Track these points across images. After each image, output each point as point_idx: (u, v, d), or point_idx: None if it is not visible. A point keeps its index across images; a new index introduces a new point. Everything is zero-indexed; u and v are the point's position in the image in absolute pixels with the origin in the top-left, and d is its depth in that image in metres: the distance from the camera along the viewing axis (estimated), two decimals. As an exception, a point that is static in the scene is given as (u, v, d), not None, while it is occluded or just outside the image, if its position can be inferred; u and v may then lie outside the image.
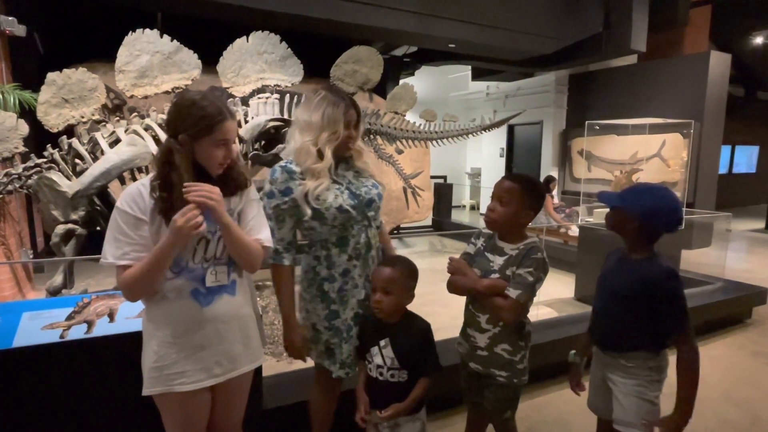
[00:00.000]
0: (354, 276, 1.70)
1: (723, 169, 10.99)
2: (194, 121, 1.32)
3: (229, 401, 1.54)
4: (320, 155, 1.62)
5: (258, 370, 2.02)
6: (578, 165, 8.39)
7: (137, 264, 1.31)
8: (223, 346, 1.44)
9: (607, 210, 1.67)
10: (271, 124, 4.11)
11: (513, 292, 1.57)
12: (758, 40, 8.50)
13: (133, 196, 1.34)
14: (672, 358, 1.57)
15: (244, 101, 4.12)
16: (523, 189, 1.63)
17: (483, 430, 1.95)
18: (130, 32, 3.48)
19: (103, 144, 3.47)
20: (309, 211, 1.60)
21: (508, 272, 1.62)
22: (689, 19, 7.08)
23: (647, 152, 6.86)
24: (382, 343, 1.64)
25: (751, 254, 7.24)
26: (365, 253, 1.71)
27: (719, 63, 6.58)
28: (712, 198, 6.95)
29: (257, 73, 4.02)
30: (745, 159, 12.72)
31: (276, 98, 4.20)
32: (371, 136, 4.89)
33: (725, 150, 11.59)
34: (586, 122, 6.53)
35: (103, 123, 3.62)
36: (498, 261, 1.66)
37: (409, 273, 1.67)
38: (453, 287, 1.74)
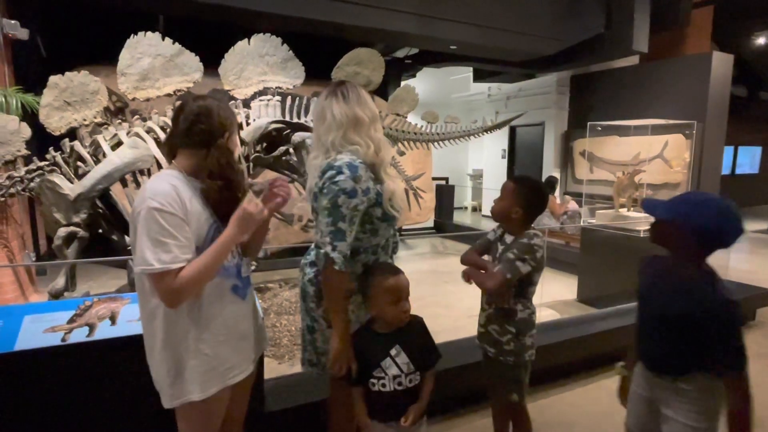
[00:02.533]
0: None
1: (726, 170, 10.95)
2: (228, 123, 1.40)
3: (245, 392, 1.59)
4: (384, 149, 1.58)
5: (260, 372, 2.01)
6: (580, 166, 8.37)
7: (193, 264, 1.27)
8: (255, 335, 1.54)
9: (650, 220, 1.50)
10: (273, 126, 4.11)
11: (496, 268, 1.76)
12: (761, 40, 8.48)
13: (172, 196, 1.26)
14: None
15: (246, 103, 4.13)
16: (515, 187, 1.83)
17: (505, 420, 2.05)
18: (132, 35, 3.50)
19: (105, 147, 3.48)
20: (395, 213, 1.56)
21: (504, 258, 1.81)
22: (691, 19, 7.07)
23: (650, 153, 6.84)
24: (394, 351, 1.59)
25: (754, 255, 7.21)
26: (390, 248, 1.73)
27: (721, 63, 6.56)
28: (715, 199, 6.92)
29: (259, 75, 4.03)
30: (748, 160, 12.67)
31: (278, 100, 4.21)
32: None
33: (728, 151, 11.55)
34: (588, 123, 6.51)
35: (105, 126, 3.63)
36: (500, 250, 1.88)
37: None
38: (465, 260, 1.93)
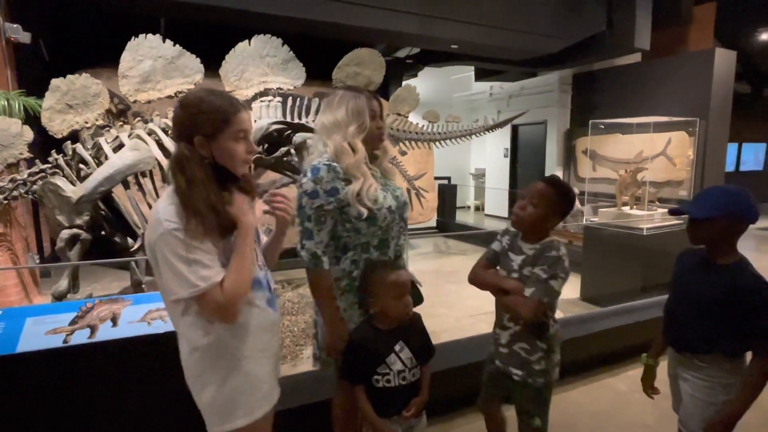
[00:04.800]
0: None
1: (730, 167, 10.89)
2: (208, 118, 1.20)
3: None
4: (353, 150, 1.57)
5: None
6: (583, 164, 8.34)
7: (231, 268, 1.20)
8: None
9: (655, 218, 1.62)
10: (274, 127, 4.12)
11: (528, 291, 1.58)
12: (764, 36, 8.42)
13: (176, 214, 1.17)
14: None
15: (247, 105, 4.13)
16: (557, 194, 1.62)
17: (503, 426, 1.96)
18: (133, 38, 3.51)
19: (107, 149, 3.49)
20: (365, 211, 1.55)
21: (526, 272, 1.63)
22: (693, 16, 7.03)
23: (653, 151, 6.81)
24: (398, 347, 1.61)
25: (759, 252, 7.17)
26: (402, 254, 1.73)
27: (724, 60, 6.52)
28: (719, 196, 6.89)
29: (260, 76, 4.04)
30: (752, 157, 12.60)
31: (279, 101, 4.22)
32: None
33: (732, 148, 11.48)
34: (591, 121, 6.49)
35: (107, 128, 3.64)
36: (518, 261, 1.68)
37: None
38: (476, 280, 1.75)
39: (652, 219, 4.76)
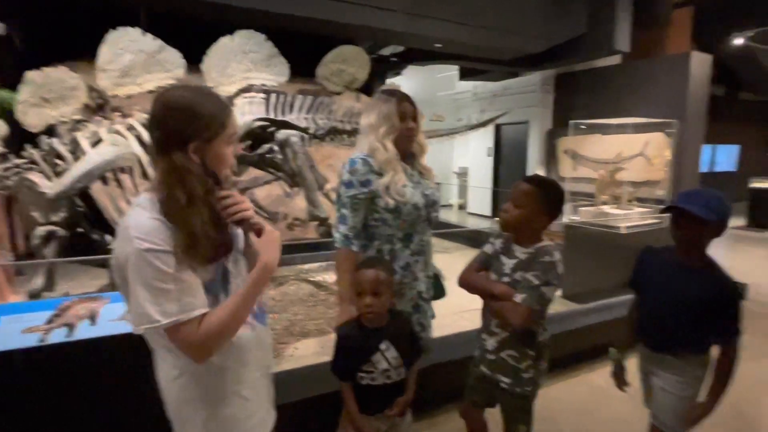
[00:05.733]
0: (415, 270, 1.82)
1: (705, 168, 11.18)
2: (205, 122, 1.07)
3: None
4: (385, 149, 1.74)
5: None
6: (564, 164, 8.47)
7: (224, 308, 1.06)
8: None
9: (630, 217, 1.65)
10: (258, 123, 4.08)
11: (519, 297, 1.54)
12: (739, 41, 8.66)
13: (162, 230, 1.02)
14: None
15: (230, 101, 4.08)
16: (539, 192, 1.56)
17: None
18: (112, 30, 3.43)
19: (85, 144, 3.42)
20: (392, 202, 1.71)
21: (518, 276, 1.59)
22: (671, 19, 7.19)
23: (631, 151, 6.95)
24: (383, 346, 1.61)
25: (732, 251, 7.39)
26: (425, 249, 1.86)
27: (701, 63, 6.68)
28: (695, 196, 7.08)
29: (243, 72, 3.99)
30: (726, 158, 12.96)
31: (262, 98, 4.18)
32: (359, 138, 4.89)
33: (707, 149, 11.79)
34: (571, 122, 6.59)
35: (85, 123, 3.56)
36: (509, 264, 1.63)
37: (391, 272, 1.68)
38: (466, 284, 1.72)
39: (630, 218, 4.86)
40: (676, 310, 1.60)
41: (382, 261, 1.73)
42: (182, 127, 1.05)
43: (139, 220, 1.02)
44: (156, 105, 1.07)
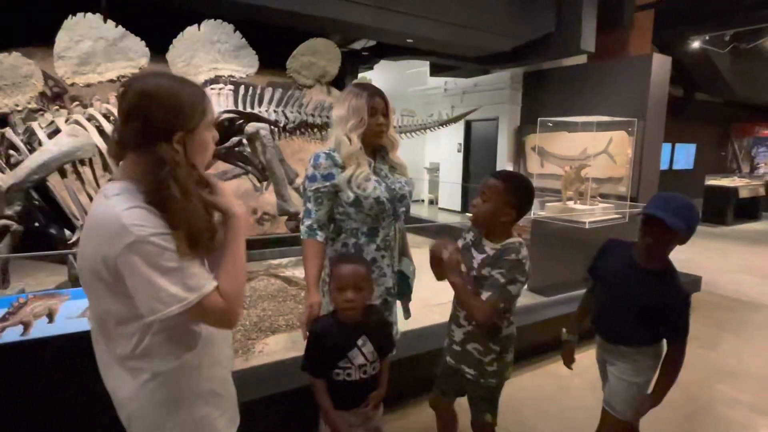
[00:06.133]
0: (382, 266, 1.82)
1: (664, 165, 11.65)
2: (190, 111, 1.03)
3: None
4: (350, 143, 1.75)
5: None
6: (532, 161, 8.65)
7: (226, 269, 1.06)
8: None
9: (595, 213, 1.68)
10: (225, 116, 4.00)
11: (484, 294, 1.55)
12: (695, 44, 9.05)
13: (149, 217, 0.97)
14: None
15: (197, 92, 3.98)
16: (504, 186, 1.58)
17: (453, 423, 1.98)
18: (71, 16, 3.28)
19: (41, 134, 3.26)
20: (352, 195, 1.72)
21: (485, 272, 1.60)
22: (634, 22, 7.42)
23: (596, 149, 7.17)
24: (360, 341, 1.61)
25: (688, 245, 7.72)
26: (392, 245, 1.84)
27: (661, 65, 6.94)
28: (655, 192, 7.37)
29: (210, 63, 3.90)
30: (684, 156, 13.54)
31: (230, 89, 4.09)
32: (329, 131, 4.85)
33: (666, 147, 12.28)
34: (539, 119, 6.73)
35: (41, 112, 3.40)
36: (478, 259, 1.64)
37: (369, 267, 1.69)
38: (436, 269, 1.65)
39: (593, 213, 5.02)
40: (628, 308, 1.66)
41: (359, 256, 1.73)
42: (168, 118, 1.00)
43: (124, 209, 0.95)
44: (131, 94, 1.00)
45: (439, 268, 1.62)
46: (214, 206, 1.08)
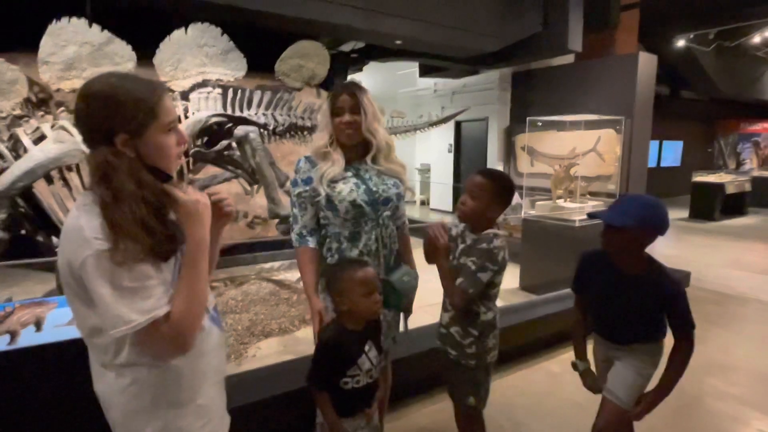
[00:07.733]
0: None
1: (652, 163, 11.79)
2: (128, 111, 0.96)
3: None
4: (319, 142, 1.77)
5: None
6: (521, 160, 8.70)
7: (180, 293, 1.01)
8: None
9: (600, 228, 1.65)
10: (214, 119, 3.98)
11: (458, 281, 1.66)
12: (681, 43, 9.17)
13: (103, 227, 0.95)
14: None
15: (184, 96, 3.96)
16: (493, 184, 1.68)
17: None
18: (55, 20, 3.25)
19: (26, 141, 3.23)
20: (323, 192, 1.70)
21: (463, 260, 1.70)
22: (620, 21, 7.51)
23: (585, 147, 7.23)
24: (367, 347, 1.60)
25: (676, 241, 7.83)
26: (377, 251, 1.77)
27: (647, 63, 7.02)
28: (642, 189, 7.43)
29: (198, 66, 3.88)
30: (672, 153, 13.71)
31: (218, 93, 4.07)
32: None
33: (654, 145, 12.44)
34: (528, 118, 6.78)
35: (26, 118, 3.36)
36: (459, 249, 1.75)
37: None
38: (428, 254, 1.79)
39: (583, 212, 5.06)
40: (623, 315, 1.68)
41: (357, 259, 1.72)
42: (104, 119, 0.96)
43: (88, 220, 0.94)
44: (77, 97, 0.97)
45: (432, 252, 1.75)
46: (167, 203, 1.02)
